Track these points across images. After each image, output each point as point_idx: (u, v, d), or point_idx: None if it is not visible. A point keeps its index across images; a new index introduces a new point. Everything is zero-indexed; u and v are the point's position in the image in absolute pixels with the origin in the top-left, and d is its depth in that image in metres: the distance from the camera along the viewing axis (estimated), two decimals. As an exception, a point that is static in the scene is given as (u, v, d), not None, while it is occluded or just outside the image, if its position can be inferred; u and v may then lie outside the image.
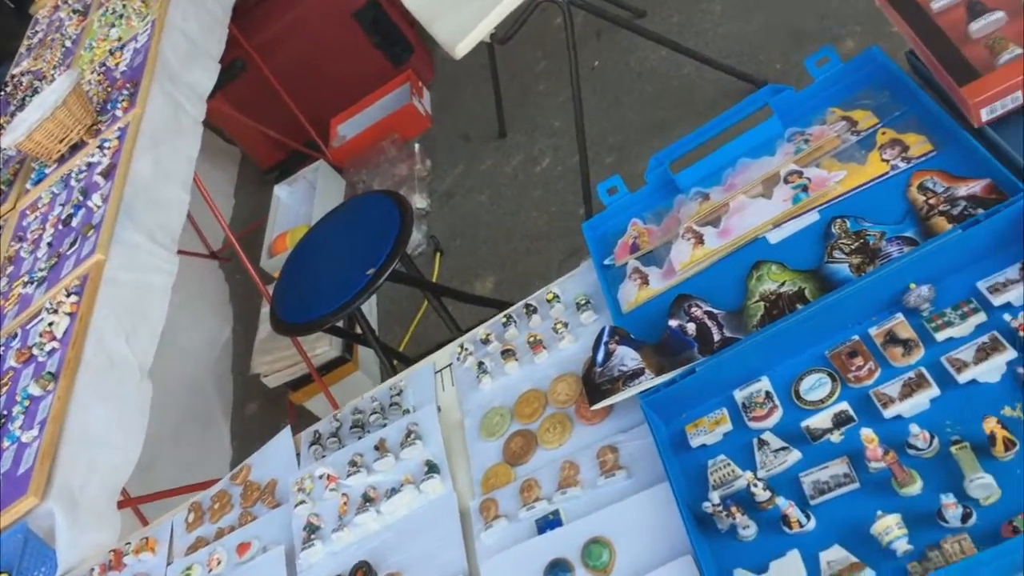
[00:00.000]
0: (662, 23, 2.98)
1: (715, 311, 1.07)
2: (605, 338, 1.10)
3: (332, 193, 3.15)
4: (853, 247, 1.02)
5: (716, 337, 1.04)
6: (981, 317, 0.91)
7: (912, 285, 0.96)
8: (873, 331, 0.97)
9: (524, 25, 2.61)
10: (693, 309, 1.08)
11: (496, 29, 2.42)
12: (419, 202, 3.07)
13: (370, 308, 2.81)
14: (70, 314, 1.71)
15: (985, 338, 0.89)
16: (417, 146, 3.26)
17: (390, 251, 1.83)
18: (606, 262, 1.24)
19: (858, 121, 1.13)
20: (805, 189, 1.10)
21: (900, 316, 0.96)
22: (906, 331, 0.95)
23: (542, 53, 3.24)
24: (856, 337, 0.98)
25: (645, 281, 1.17)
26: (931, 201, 1.00)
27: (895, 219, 1.02)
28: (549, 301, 1.25)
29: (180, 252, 1.98)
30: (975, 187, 0.98)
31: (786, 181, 1.12)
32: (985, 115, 0.98)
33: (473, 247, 2.89)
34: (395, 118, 3.32)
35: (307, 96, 3.40)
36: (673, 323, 1.07)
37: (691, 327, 1.06)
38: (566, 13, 2.37)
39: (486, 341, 1.29)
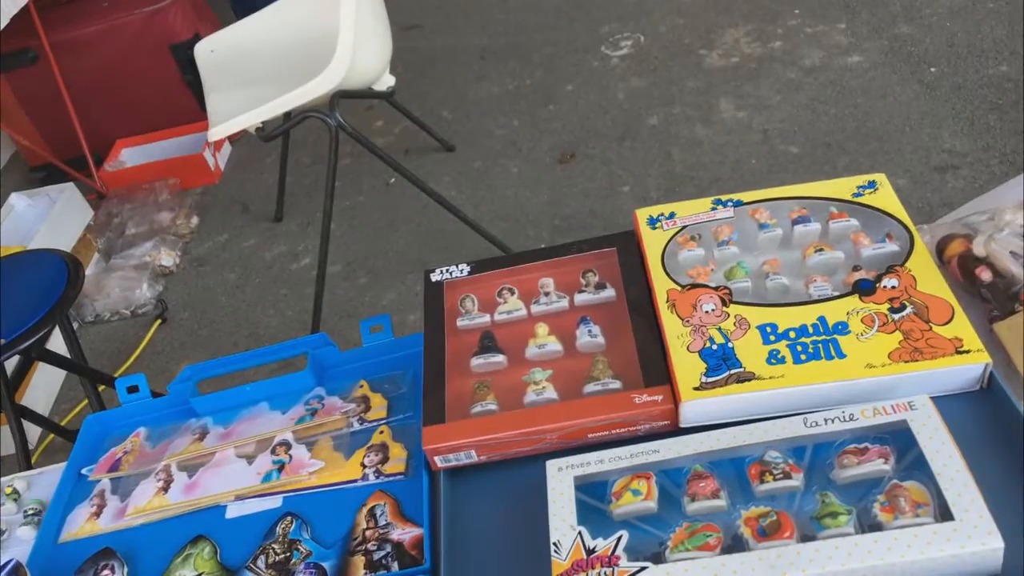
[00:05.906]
0: (465, 164, 2.97)
1: (123, 582, 0.95)
2: None
3: (68, 222, 2.90)
4: (278, 558, 0.93)
5: (98, 618, 0.91)
6: None
7: (296, 629, 0.87)
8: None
9: (294, 130, 2.50)
10: (104, 572, 0.95)
11: (265, 125, 2.31)
12: (165, 259, 2.88)
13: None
14: None
15: None
16: (191, 200, 3.08)
17: (32, 325, 1.66)
18: (84, 471, 1.10)
19: (373, 407, 1.06)
20: (281, 468, 1.01)
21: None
22: None
23: (349, 150, 3.16)
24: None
25: (99, 512, 1.04)
26: (367, 532, 0.92)
27: (333, 540, 0.94)
28: (8, 494, 1.10)
29: None
30: (407, 535, 0.91)
31: (273, 451, 1.03)
32: (440, 463, 0.92)
33: (196, 325, 2.71)
34: (181, 163, 3.14)
35: (98, 109, 3.19)
36: (73, 582, 0.95)
37: (87, 594, 0.93)
38: (332, 135, 2.30)
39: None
